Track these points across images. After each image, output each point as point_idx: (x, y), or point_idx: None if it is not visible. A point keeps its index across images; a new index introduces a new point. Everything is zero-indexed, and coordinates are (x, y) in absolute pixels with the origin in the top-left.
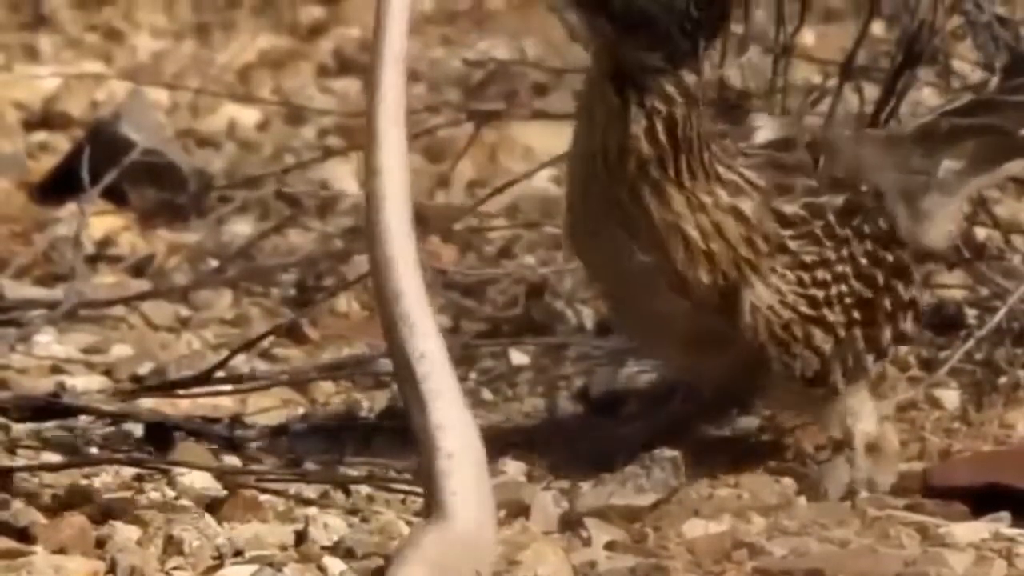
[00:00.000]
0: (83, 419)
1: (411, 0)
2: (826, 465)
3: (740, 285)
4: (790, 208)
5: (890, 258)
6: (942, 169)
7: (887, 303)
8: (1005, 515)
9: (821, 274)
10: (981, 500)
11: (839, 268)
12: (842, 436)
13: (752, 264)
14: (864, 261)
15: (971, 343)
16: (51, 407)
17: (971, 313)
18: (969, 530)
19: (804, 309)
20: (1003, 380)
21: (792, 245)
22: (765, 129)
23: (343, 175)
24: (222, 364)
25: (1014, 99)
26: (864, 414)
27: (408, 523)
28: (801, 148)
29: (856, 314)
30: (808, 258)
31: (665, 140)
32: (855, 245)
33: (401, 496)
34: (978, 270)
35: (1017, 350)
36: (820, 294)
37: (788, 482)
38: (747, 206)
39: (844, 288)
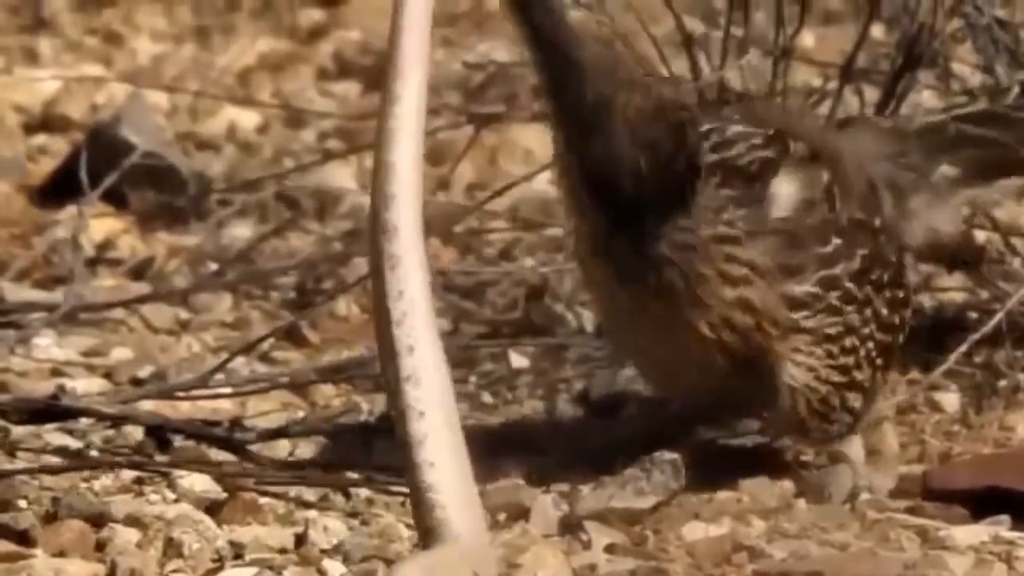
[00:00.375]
0: (83, 422)
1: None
2: (830, 469)
3: (774, 367)
4: (800, 289)
5: (901, 294)
6: (937, 173)
7: (901, 337)
8: (1005, 518)
9: (849, 341)
10: (981, 503)
11: (864, 330)
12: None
13: (764, 347)
14: (885, 311)
15: (970, 345)
16: (51, 410)
17: (971, 316)
18: (969, 533)
19: (837, 378)
20: (1003, 383)
21: (807, 324)
22: (783, 199)
23: (343, 178)
24: (222, 367)
25: None
26: (854, 449)
27: (408, 526)
28: (820, 204)
29: (879, 361)
30: (832, 330)
31: (648, 291)
32: (876, 301)
33: (401, 499)
34: (978, 273)
35: (1017, 353)
36: (850, 360)
37: (788, 485)
38: (753, 295)
39: (870, 345)
